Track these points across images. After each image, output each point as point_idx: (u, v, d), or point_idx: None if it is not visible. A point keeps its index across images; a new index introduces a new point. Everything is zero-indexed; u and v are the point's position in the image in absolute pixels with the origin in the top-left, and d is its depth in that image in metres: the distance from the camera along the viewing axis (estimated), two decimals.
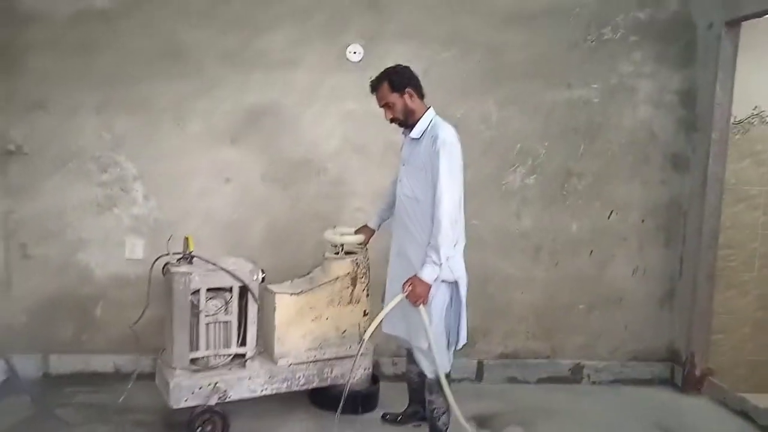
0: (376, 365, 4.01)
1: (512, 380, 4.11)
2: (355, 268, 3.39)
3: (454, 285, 2.91)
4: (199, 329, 3.05)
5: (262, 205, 3.94)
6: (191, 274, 3.00)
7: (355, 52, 3.86)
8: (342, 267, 3.37)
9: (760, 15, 3.59)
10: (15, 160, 3.77)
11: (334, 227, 3.54)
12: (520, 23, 3.91)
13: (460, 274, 2.93)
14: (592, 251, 4.13)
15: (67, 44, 3.73)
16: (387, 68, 3.06)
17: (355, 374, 3.26)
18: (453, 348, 2.99)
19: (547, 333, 4.15)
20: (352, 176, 3.96)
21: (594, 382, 4.15)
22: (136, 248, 3.85)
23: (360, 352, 2.99)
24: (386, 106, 3.01)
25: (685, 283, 4.09)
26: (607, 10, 3.96)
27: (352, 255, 3.42)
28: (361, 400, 3.43)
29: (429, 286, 2.79)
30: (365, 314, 3.45)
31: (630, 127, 4.05)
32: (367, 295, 3.46)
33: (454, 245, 2.88)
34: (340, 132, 3.94)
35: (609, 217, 4.11)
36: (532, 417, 3.54)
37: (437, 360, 2.87)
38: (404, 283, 2.81)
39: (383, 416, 3.42)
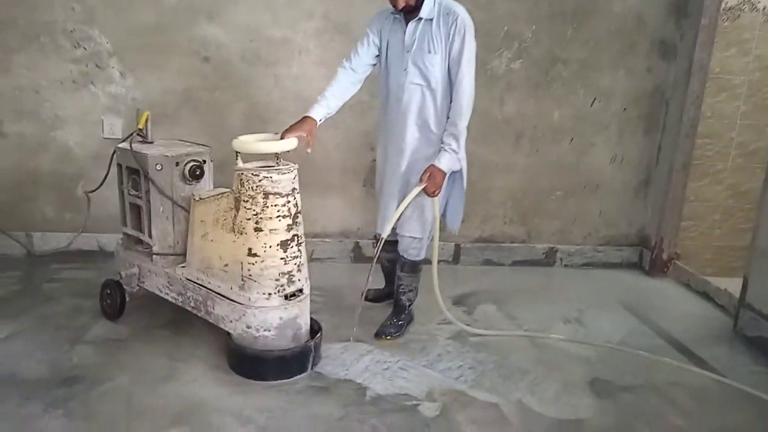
0: (356, 247, 4.14)
1: (488, 263, 4.27)
2: (238, 187, 2.55)
3: (459, 173, 2.89)
4: (125, 206, 3.01)
5: (242, 85, 3.86)
6: (117, 147, 2.95)
7: None
8: (233, 182, 2.61)
9: None
10: None
11: (277, 134, 2.70)
12: None
13: (464, 164, 2.89)
14: (572, 139, 4.17)
15: None
16: None
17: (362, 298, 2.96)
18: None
19: (524, 218, 4.26)
20: (335, 57, 3.79)
21: (566, 265, 4.33)
22: (114, 128, 3.80)
23: (374, 261, 2.83)
24: None
25: (660, 171, 4.18)
26: None
27: (250, 167, 2.57)
28: (295, 361, 2.66)
29: (445, 176, 2.75)
30: (250, 253, 2.56)
31: (619, 13, 3.97)
32: (257, 230, 2.54)
33: None
34: (321, 10, 3.81)
35: (591, 105, 4.12)
36: (505, 296, 3.72)
37: (434, 245, 2.92)
38: (422, 175, 2.72)
39: (366, 294, 3.36)
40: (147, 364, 2.71)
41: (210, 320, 2.76)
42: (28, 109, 3.77)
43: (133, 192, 2.97)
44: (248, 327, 2.62)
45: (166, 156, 2.83)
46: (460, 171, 2.90)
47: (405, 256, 3.02)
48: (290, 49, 3.85)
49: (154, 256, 2.94)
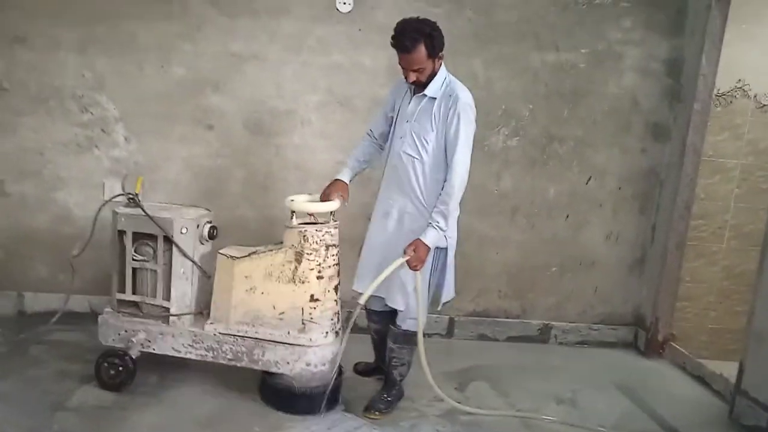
0: (349, 317, 4.10)
1: (482, 337, 4.23)
2: (301, 242, 2.85)
3: (444, 250, 2.90)
4: (126, 272, 3.01)
5: (243, 154, 3.93)
6: (119, 214, 2.96)
7: (345, 3, 3.80)
8: (287, 238, 2.90)
9: None
10: None
11: (311, 194, 3.08)
12: None
13: (452, 242, 2.92)
14: (568, 215, 4.20)
15: None
16: (418, 25, 2.69)
17: (336, 362, 2.94)
18: (435, 306, 3.05)
19: (519, 293, 4.24)
20: (336, 130, 3.95)
21: (561, 343, 4.29)
22: (115, 190, 3.81)
23: (351, 322, 2.80)
24: (417, 71, 2.73)
25: (655, 251, 4.19)
26: None
27: (310, 225, 2.92)
28: (327, 397, 2.88)
29: (429, 251, 2.74)
30: (312, 299, 2.88)
31: (614, 94, 4.07)
32: (319, 277, 2.89)
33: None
34: (325, 84, 3.91)
35: (587, 183, 4.17)
36: (498, 373, 3.66)
37: (418, 318, 2.88)
38: (407, 247, 2.72)
39: (355, 366, 3.42)
40: None
41: (256, 367, 2.94)
42: (31, 170, 3.84)
43: (139, 257, 2.98)
44: (308, 365, 2.90)
45: (192, 219, 2.97)
46: (445, 250, 2.90)
47: (397, 326, 2.99)
48: (293, 121, 3.94)
49: (171, 318, 2.98)
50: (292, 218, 2.89)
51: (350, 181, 3.04)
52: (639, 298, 4.30)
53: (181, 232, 2.93)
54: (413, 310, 2.89)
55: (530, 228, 4.18)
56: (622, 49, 4.02)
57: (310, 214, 2.96)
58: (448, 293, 3.02)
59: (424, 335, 2.95)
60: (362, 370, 3.38)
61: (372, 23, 3.80)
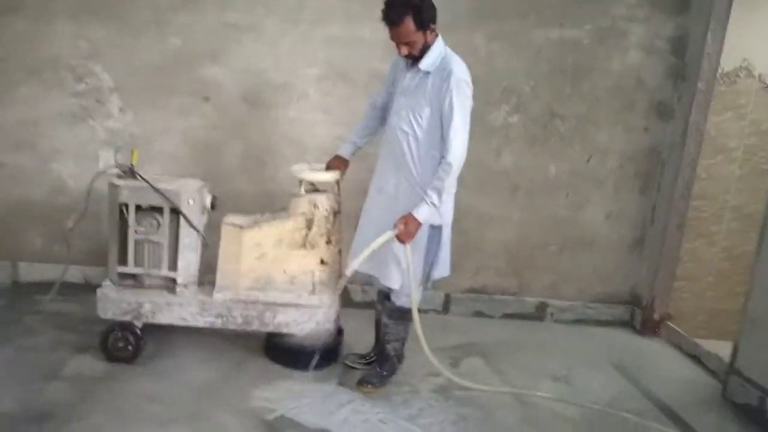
0: (345, 292, 4.09)
1: (478, 314, 4.22)
2: (312, 209, 3.05)
3: (438, 229, 2.87)
4: (128, 245, 3.01)
5: (240, 127, 3.90)
6: (120, 186, 2.94)
7: None
8: (297, 206, 3.06)
9: None
10: None
11: (309, 164, 3.23)
12: None
13: (447, 220, 2.89)
14: (568, 194, 4.17)
15: None
16: None
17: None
18: (426, 283, 3.02)
19: (517, 271, 4.23)
20: (334, 104, 3.92)
21: (557, 321, 4.28)
22: (110, 162, 3.79)
23: (339, 289, 3.00)
24: (406, 43, 2.68)
25: (655, 231, 4.16)
26: None
27: (318, 194, 3.11)
28: (323, 355, 3.00)
29: (420, 226, 2.71)
30: (322, 263, 3.12)
31: (618, 72, 4.01)
32: (328, 242, 3.12)
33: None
34: (324, 57, 3.86)
35: (588, 161, 4.13)
36: (493, 350, 3.67)
37: (412, 296, 2.86)
38: (397, 221, 2.69)
39: (345, 358, 3.29)
40: (122, 403, 2.65)
41: (266, 330, 3.08)
42: (26, 141, 3.80)
43: (142, 229, 2.98)
44: (317, 324, 3.06)
45: (196, 190, 3.01)
46: (440, 227, 2.87)
47: (396, 303, 2.98)
48: (290, 94, 3.90)
49: (178, 288, 3.03)
50: (300, 187, 3.06)
51: (351, 155, 3.13)
52: (637, 277, 4.28)
53: (188, 203, 2.97)
54: (407, 286, 2.87)
55: (530, 206, 4.16)
56: (627, 26, 3.95)
57: (310, 183, 3.10)
58: (442, 270, 3.00)
59: (420, 311, 2.94)
60: (352, 362, 3.29)
61: None
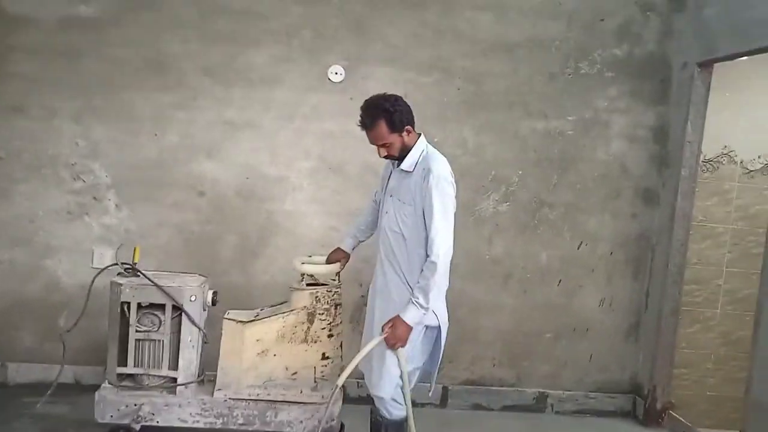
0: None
1: (477, 407, 4.12)
2: (314, 303, 3.03)
3: (437, 330, 2.77)
4: (128, 344, 2.96)
5: (235, 220, 3.94)
6: (122, 285, 2.93)
7: (336, 73, 3.88)
8: (298, 300, 3.03)
9: (731, 58, 3.68)
10: None
11: (310, 256, 3.21)
12: (501, 53, 3.96)
13: (444, 318, 2.79)
14: (560, 281, 4.16)
15: (51, 49, 3.74)
16: (377, 102, 2.70)
17: (323, 425, 2.93)
18: (431, 386, 2.91)
19: (514, 360, 4.16)
20: (328, 195, 3.97)
21: (557, 412, 4.17)
22: (104, 258, 3.80)
23: (332, 400, 2.76)
24: (383, 146, 2.73)
25: (650, 317, 4.14)
26: (587, 44, 4.02)
27: (319, 287, 3.10)
28: None
29: (410, 329, 2.61)
30: (324, 357, 3.08)
31: (603, 160, 4.11)
32: (330, 336, 3.09)
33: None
34: (318, 151, 3.96)
35: (579, 248, 4.16)
36: None
37: (406, 404, 2.72)
38: (384, 324, 2.63)
39: None
40: None
41: (268, 429, 2.99)
42: (22, 237, 3.82)
43: (143, 328, 2.93)
44: (318, 422, 2.91)
45: (198, 287, 2.98)
46: (438, 328, 2.77)
47: (384, 415, 2.81)
48: (284, 187, 3.96)
49: (178, 388, 2.94)
50: (302, 280, 3.05)
51: (352, 249, 3.17)
52: (636, 365, 4.22)
53: (191, 300, 2.94)
54: (400, 394, 2.74)
55: (523, 293, 4.15)
56: (609, 117, 4.08)
57: (310, 275, 3.12)
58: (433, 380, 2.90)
59: (417, 404, 2.86)
60: None
61: (363, 92, 3.64)
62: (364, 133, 3.53)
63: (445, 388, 4.09)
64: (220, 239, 3.95)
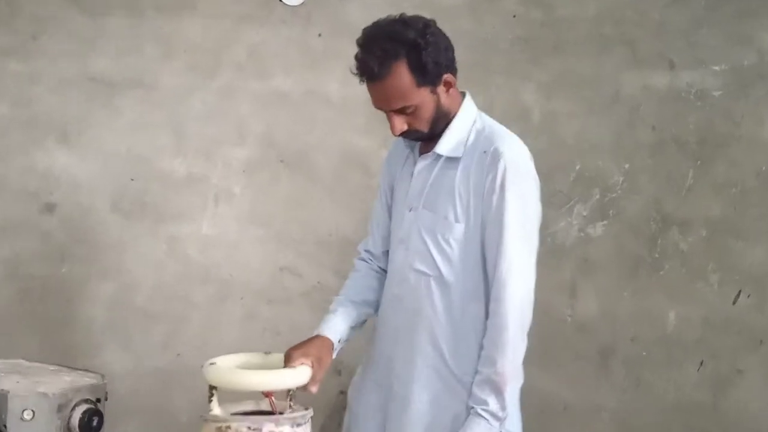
0: None
1: None
2: None
3: None
4: None
5: (111, 254, 2.77)
6: None
7: None
8: None
9: None
10: None
11: (268, 353, 1.89)
12: None
13: (518, 426, 1.87)
14: (702, 362, 2.73)
15: None
16: (393, 29, 1.70)
17: None
18: None
19: None
20: (278, 210, 2.78)
21: None
22: None
23: None
24: (401, 111, 1.73)
25: None
26: None
27: (253, 416, 1.77)
28: None
29: None
30: None
31: None
32: None
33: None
34: (261, 128, 2.81)
35: (735, 302, 2.71)
36: None
37: None
38: None
39: None
40: None
41: None
42: None
43: None
44: None
45: (44, 394, 2.00)
46: None
47: None
48: (200, 194, 2.77)
49: None
50: (211, 399, 1.70)
51: (341, 340, 1.84)
52: None
53: (24, 418, 2.01)
54: None
55: (634, 386, 2.72)
56: None
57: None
58: None
59: None
60: None
61: (340, 24, 2.77)
62: (341, 96, 2.84)
63: None
64: (85, 292, 2.72)
